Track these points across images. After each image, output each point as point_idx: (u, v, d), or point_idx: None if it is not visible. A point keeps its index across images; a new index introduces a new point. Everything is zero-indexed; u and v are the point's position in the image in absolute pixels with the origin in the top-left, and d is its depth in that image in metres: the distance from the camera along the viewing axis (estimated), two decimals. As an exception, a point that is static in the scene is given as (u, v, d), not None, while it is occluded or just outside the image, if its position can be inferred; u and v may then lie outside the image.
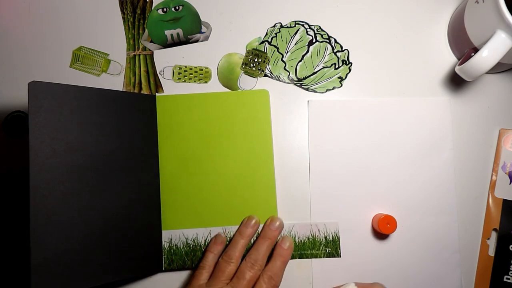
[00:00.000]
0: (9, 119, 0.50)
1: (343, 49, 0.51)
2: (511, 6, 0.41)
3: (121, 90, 0.50)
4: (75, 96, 0.43)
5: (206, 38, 0.51)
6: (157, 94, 0.50)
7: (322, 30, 0.51)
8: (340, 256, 0.49)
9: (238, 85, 0.51)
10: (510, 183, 0.49)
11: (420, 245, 0.49)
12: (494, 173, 0.49)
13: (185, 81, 0.51)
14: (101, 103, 0.45)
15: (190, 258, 0.48)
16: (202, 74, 0.51)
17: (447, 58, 0.51)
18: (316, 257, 0.49)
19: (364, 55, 0.51)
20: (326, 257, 0.49)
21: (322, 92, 0.50)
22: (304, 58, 0.51)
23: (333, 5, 0.52)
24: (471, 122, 0.50)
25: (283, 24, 0.51)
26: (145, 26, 0.51)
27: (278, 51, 0.51)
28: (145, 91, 0.50)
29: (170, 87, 0.51)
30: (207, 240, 0.48)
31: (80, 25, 0.51)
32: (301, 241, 0.49)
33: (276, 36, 0.51)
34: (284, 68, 0.51)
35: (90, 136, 0.45)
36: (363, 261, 0.49)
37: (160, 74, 0.51)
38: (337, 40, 0.51)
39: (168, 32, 0.51)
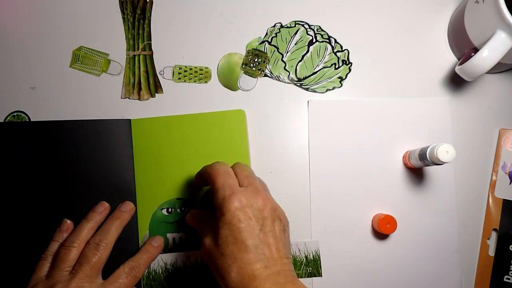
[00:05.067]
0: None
1: (343, 49, 0.51)
2: (511, 6, 0.41)
3: (120, 91, 0.50)
4: (42, 131, 0.46)
5: None
6: (131, 118, 0.49)
7: (322, 30, 0.51)
8: (322, 276, 0.48)
9: (238, 85, 0.51)
10: (510, 183, 0.49)
11: (420, 245, 0.49)
12: (494, 173, 0.49)
13: (185, 81, 0.51)
14: (73, 134, 0.47)
15: (170, 284, 0.47)
16: (202, 74, 0.51)
17: (447, 58, 0.51)
18: (297, 277, 0.48)
19: (364, 55, 0.51)
20: (307, 277, 0.48)
21: (322, 92, 0.50)
22: (304, 58, 0.51)
23: (333, 5, 0.52)
24: (471, 122, 0.50)
25: (283, 24, 0.51)
26: (145, 26, 0.51)
27: (278, 51, 0.51)
28: (144, 91, 0.50)
29: (170, 87, 0.51)
30: (186, 265, 0.47)
31: (80, 25, 0.51)
32: None
33: (276, 36, 0.51)
34: (284, 68, 0.50)
35: (62, 168, 0.47)
36: (364, 261, 0.49)
37: (160, 74, 0.51)
38: (337, 40, 0.51)
39: (170, 236, 0.48)
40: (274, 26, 0.51)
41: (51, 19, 0.51)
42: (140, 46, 0.51)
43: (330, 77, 0.51)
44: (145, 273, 0.47)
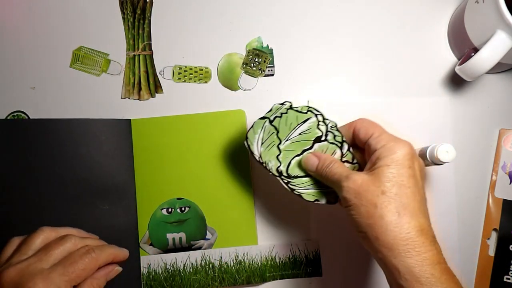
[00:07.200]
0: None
1: (353, 162, 0.42)
2: (511, 6, 0.41)
3: (120, 91, 0.50)
4: (41, 129, 0.46)
5: (210, 246, 0.48)
6: (131, 118, 0.49)
7: (337, 130, 0.42)
8: (322, 275, 0.48)
9: (239, 84, 0.51)
10: (510, 183, 0.49)
11: (420, 245, 0.49)
12: (494, 173, 0.50)
13: (185, 81, 0.51)
14: (73, 134, 0.47)
15: (169, 283, 0.47)
16: (202, 74, 0.51)
17: (447, 58, 0.51)
18: (297, 277, 0.48)
19: (364, 55, 0.51)
20: (307, 276, 0.48)
21: (310, 201, 0.42)
22: (304, 154, 0.42)
23: (333, 5, 0.52)
24: (471, 122, 0.50)
25: (293, 106, 0.43)
26: (145, 26, 0.51)
27: (277, 135, 0.42)
28: (144, 91, 0.50)
29: (170, 87, 0.51)
30: (186, 265, 0.48)
31: (80, 25, 0.51)
32: (281, 261, 0.48)
33: (281, 116, 0.42)
34: (277, 157, 0.42)
35: (61, 167, 0.47)
36: (364, 261, 0.48)
37: (160, 74, 0.51)
38: (350, 149, 0.42)
39: (170, 236, 0.48)
40: (283, 104, 0.43)
41: (51, 19, 0.51)
42: (140, 46, 0.51)
43: (325, 188, 0.42)
44: (145, 273, 0.47)
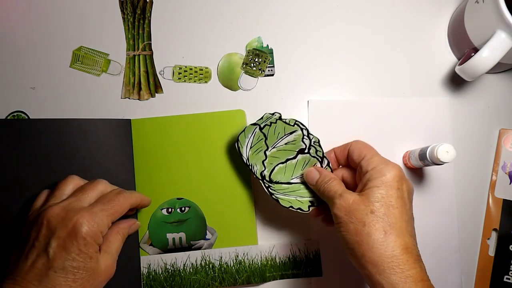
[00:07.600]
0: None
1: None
2: (511, 6, 0.41)
3: (120, 91, 0.50)
4: (41, 129, 0.46)
5: (210, 246, 0.48)
6: (131, 118, 0.49)
7: (319, 146, 0.45)
8: (322, 275, 0.48)
9: (239, 84, 0.51)
10: (510, 183, 0.49)
11: (420, 245, 0.48)
12: (494, 173, 0.50)
13: (185, 81, 0.51)
14: (73, 134, 0.47)
15: (169, 283, 0.47)
16: (202, 74, 0.51)
17: (447, 58, 0.51)
18: (297, 277, 0.48)
19: (364, 55, 0.51)
20: (307, 276, 0.48)
21: (285, 206, 0.44)
22: (287, 163, 0.45)
23: (333, 5, 0.52)
24: (471, 122, 0.51)
25: (282, 117, 0.45)
26: (145, 26, 0.51)
27: (265, 141, 0.45)
28: (144, 91, 0.50)
29: (170, 87, 0.51)
30: (186, 265, 0.48)
31: (80, 25, 0.51)
32: (281, 261, 0.48)
33: (270, 125, 0.45)
34: (262, 162, 0.45)
35: (61, 167, 0.47)
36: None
37: (160, 74, 0.51)
38: (330, 165, 0.45)
39: (170, 236, 0.48)
40: (273, 114, 0.45)
41: (51, 19, 0.51)
42: (140, 46, 0.51)
43: (302, 197, 0.45)
44: (145, 273, 0.47)
